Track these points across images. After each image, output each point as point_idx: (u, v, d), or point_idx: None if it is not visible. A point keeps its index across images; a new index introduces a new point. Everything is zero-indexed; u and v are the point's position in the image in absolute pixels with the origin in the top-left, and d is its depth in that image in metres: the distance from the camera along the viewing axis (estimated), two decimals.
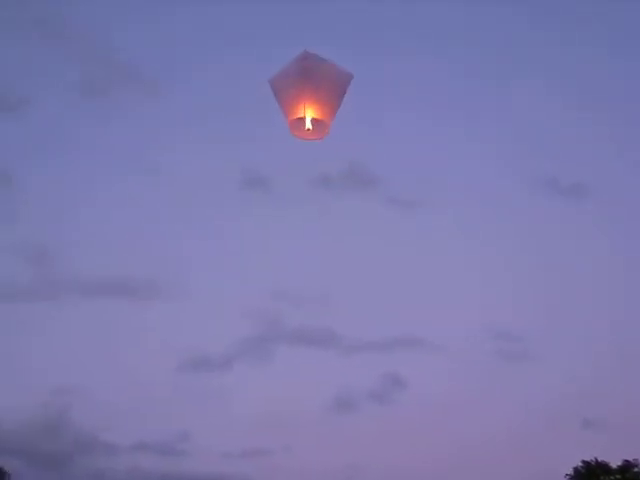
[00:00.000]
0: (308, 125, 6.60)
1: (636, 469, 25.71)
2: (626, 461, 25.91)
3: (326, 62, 6.41)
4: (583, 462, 26.07)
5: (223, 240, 12.45)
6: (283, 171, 13.27)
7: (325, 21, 13.17)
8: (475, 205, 13.09)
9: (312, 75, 6.37)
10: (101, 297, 12.46)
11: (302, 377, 14.97)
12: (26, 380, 12.88)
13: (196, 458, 13.72)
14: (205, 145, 12.92)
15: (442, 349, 13.35)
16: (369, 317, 13.74)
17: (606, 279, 15.39)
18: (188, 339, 12.99)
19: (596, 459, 26.01)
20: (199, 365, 17.44)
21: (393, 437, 15.91)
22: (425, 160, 12.98)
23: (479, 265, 12.64)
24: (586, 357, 18.41)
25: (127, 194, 12.32)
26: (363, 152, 13.05)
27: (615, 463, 25.90)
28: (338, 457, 14.86)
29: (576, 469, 26.16)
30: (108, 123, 12.22)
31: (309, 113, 6.49)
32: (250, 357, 12.54)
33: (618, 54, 16.92)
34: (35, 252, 11.87)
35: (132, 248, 12.47)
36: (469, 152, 13.15)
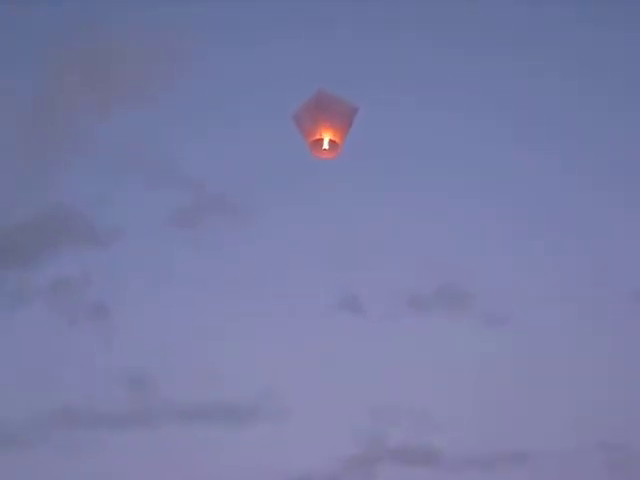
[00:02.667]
0: (325, 146, 8.80)
1: None
2: None
3: (337, 97, 8.63)
4: None
5: (319, 359, 13.60)
6: (375, 291, 14.50)
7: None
8: (567, 319, 14.15)
9: (326, 107, 8.64)
10: (198, 422, 13.55)
11: None
12: None
13: None
14: (303, 270, 14.24)
15: (547, 462, 14.10)
16: (470, 432, 14.67)
17: None
18: (288, 460, 13.93)
19: None
20: None
21: None
22: (515, 276, 14.10)
23: (578, 372, 13.58)
24: None
25: (222, 321, 13.71)
26: (454, 271, 14.27)
27: None
28: None
29: None
30: (200, 252, 13.65)
31: (325, 136, 8.72)
32: (353, 478, 13.49)
33: None
34: (131, 379, 13.22)
35: (228, 372, 13.76)
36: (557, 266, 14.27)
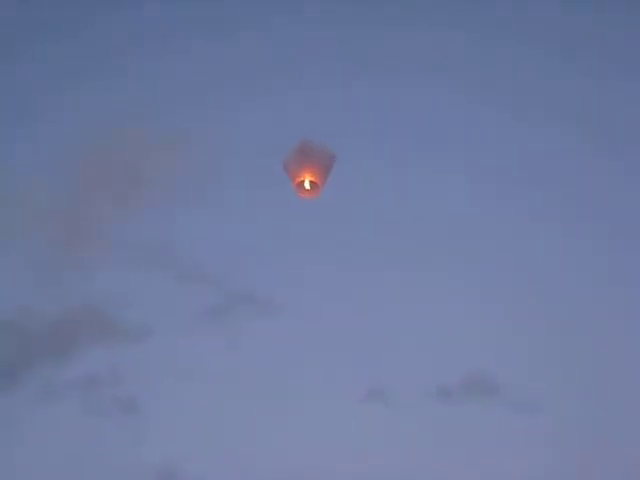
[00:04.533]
0: (307, 186, 9.41)
1: None
2: None
3: (318, 145, 9.29)
4: None
5: (348, 452, 13.45)
6: (401, 383, 14.47)
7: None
8: (597, 403, 13.85)
9: (309, 153, 9.29)
10: None
11: None
12: None
13: None
14: (330, 364, 14.30)
15: None
16: None
17: None
18: None
19: None
20: None
21: None
22: (543, 363, 13.94)
23: (612, 458, 13.26)
24: None
25: (252, 415, 13.71)
26: (481, 360, 14.22)
27: None
28: None
29: None
30: (228, 347, 13.85)
31: (307, 178, 9.36)
32: None
33: None
34: (161, 475, 13.22)
35: (259, 467, 13.67)
36: None
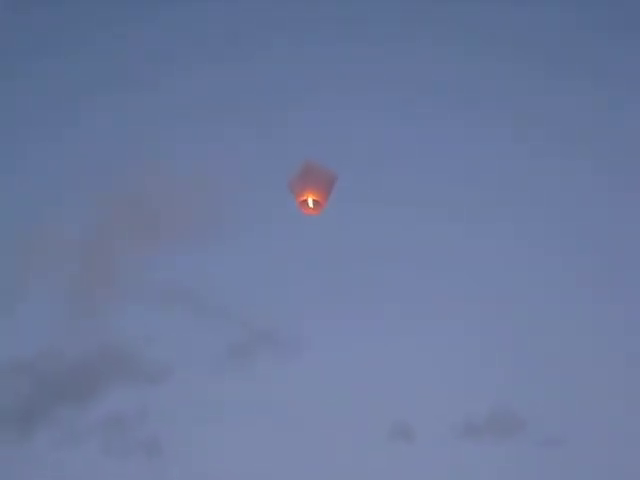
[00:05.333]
0: (310, 204, 9.69)
1: None
2: None
3: (320, 166, 9.65)
4: None
5: None
6: (426, 419, 14.35)
7: None
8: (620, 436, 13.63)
9: (312, 173, 9.61)
10: None
11: None
12: None
13: None
14: (354, 400, 14.27)
15: None
16: None
17: None
18: None
19: None
20: None
21: None
22: (567, 397, 13.77)
23: None
24: None
25: (275, 455, 13.64)
26: (505, 396, 14.10)
27: None
28: None
29: None
30: (250, 385, 13.87)
31: (311, 196, 9.68)
32: None
33: None
34: None
35: None
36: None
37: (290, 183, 9.77)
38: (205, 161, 14.29)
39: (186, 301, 14.24)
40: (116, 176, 14.05)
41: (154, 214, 14.21)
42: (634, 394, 14.00)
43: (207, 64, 15.13)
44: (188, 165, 14.27)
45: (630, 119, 14.91)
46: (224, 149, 14.33)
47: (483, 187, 15.02)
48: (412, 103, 15.11)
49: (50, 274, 14.07)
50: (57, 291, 14.03)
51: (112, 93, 14.85)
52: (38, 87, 15.14)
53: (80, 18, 15.03)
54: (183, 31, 15.19)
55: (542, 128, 15.07)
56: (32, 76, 15.00)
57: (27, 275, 13.94)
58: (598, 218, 14.98)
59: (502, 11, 15.20)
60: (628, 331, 14.47)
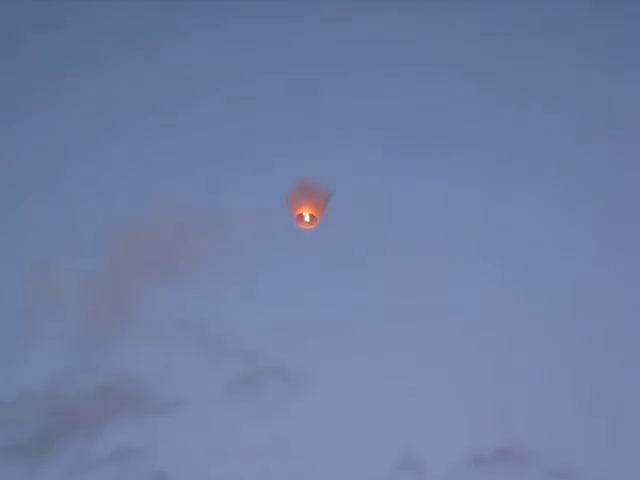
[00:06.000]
0: (306, 219, 10.15)
1: None
2: None
3: (316, 183, 9.87)
4: None
5: None
6: (436, 451, 14.26)
7: None
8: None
9: (308, 190, 9.83)
10: None
11: None
12: None
13: None
14: (363, 431, 14.24)
15: None
16: None
17: None
18: None
19: None
20: None
21: None
22: (577, 430, 13.66)
23: None
24: None
25: None
26: (515, 428, 14.04)
27: None
28: None
29: None
30: (260, 419, 13.86)
31: (307, 211, 9.86)
32: None
33: None
34: None
35: None
36: None
37: (288, 200, 10.03)
38: (217, 196, 14.52)
39: (196, 335, 14.37)
40: (129, 210, 14.28)
41: (165, 248, 14.41)
42: None
43: (218, 104, 15.44)
44: (201, 200, 14.50)
45: None
46: (236, 186, 14.58)
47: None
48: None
49: (61, 307, 14.26)
50: (68, 324, 14.20)
51: (126, 125, 15.17)
52: (55, 116, 15.42)
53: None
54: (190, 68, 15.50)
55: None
56: (47, 108, 15.29)
57: (39, 308, 14.13)
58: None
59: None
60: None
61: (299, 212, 10.05)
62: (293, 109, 15.35)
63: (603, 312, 14.74)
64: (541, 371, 14.44)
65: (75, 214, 14.55)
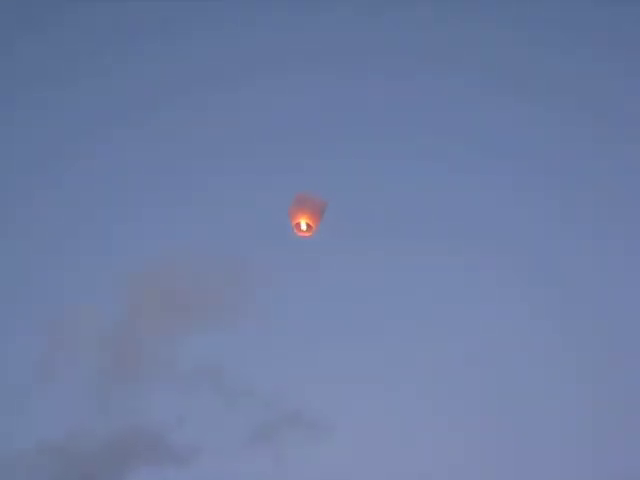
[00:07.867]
0: (303, 227, 10.60)
1: None
2: None
3: (313, 195, 10.18)
4: None
5: None
6: None
7: None
8: None
9: (306, 201, 10.15)
10: None
11: None
12: None
13: None
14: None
15: None
16: None
17: None
18: None
19: None
20: None
21: None
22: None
23: None
24: None
25: None
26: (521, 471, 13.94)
27: None
28: None
29: None
30: (279, 468, 13.77)
31: (304, 220, 10.15)
32: None
33: None
34: None
35: None
36: None
37: (288, 212, 10.53)
38: (231, 242, 14.66)
39: (214, 381, 14.37)
40: (145, 257, 14.44)
41: (182, 294, 14.51)
42: None
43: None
44: (215, 245, 14.64)
45: None
46: (250, 229, 14.73)
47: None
48: None
49: (79, 355, 14.34)
50: (86, 372, 14.26)
51: (144, 184, 15.44)
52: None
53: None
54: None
55: None
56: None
57: (56, 356, 14.23)
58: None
59: None
60: None
61: (297, 221, 10.51)
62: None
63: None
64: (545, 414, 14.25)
65: (94, 260, 14.73)
